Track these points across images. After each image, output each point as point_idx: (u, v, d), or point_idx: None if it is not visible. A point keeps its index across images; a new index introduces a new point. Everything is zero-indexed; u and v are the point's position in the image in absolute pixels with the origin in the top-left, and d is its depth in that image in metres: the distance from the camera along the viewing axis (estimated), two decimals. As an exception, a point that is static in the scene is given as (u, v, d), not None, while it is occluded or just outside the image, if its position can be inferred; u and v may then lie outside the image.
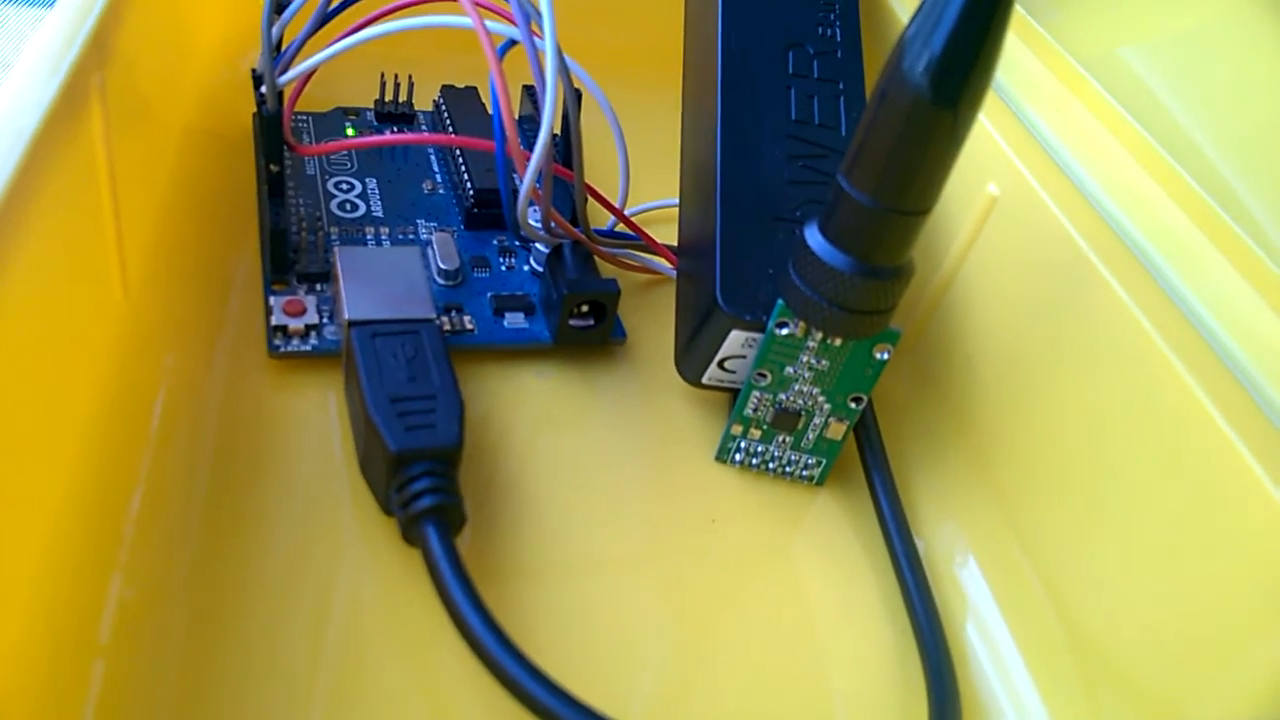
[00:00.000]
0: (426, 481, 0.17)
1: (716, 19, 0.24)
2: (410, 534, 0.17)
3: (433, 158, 0.28)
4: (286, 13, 0.23)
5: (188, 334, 0.22)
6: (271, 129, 0.22)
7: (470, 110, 0.29)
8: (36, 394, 0.15)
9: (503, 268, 0.25)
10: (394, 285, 0.21)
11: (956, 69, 0.15)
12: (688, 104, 0.25)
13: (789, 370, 0.21)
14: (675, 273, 0.25)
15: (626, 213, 0.26)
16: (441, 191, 0.27)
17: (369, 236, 0.25)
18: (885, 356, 0.20)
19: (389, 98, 0.29)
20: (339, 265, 0.21)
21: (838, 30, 0.24)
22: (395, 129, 0.29)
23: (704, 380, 0.22)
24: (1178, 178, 0.20)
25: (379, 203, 0.26)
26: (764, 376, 0.21)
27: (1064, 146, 0.22)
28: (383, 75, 0.29)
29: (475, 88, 0.29)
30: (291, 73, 0.22)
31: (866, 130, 0.17)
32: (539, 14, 0.21)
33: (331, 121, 0.28)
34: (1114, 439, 0.18)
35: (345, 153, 0.27)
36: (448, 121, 0.28)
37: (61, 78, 0.16)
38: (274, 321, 0.22)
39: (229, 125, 0.27)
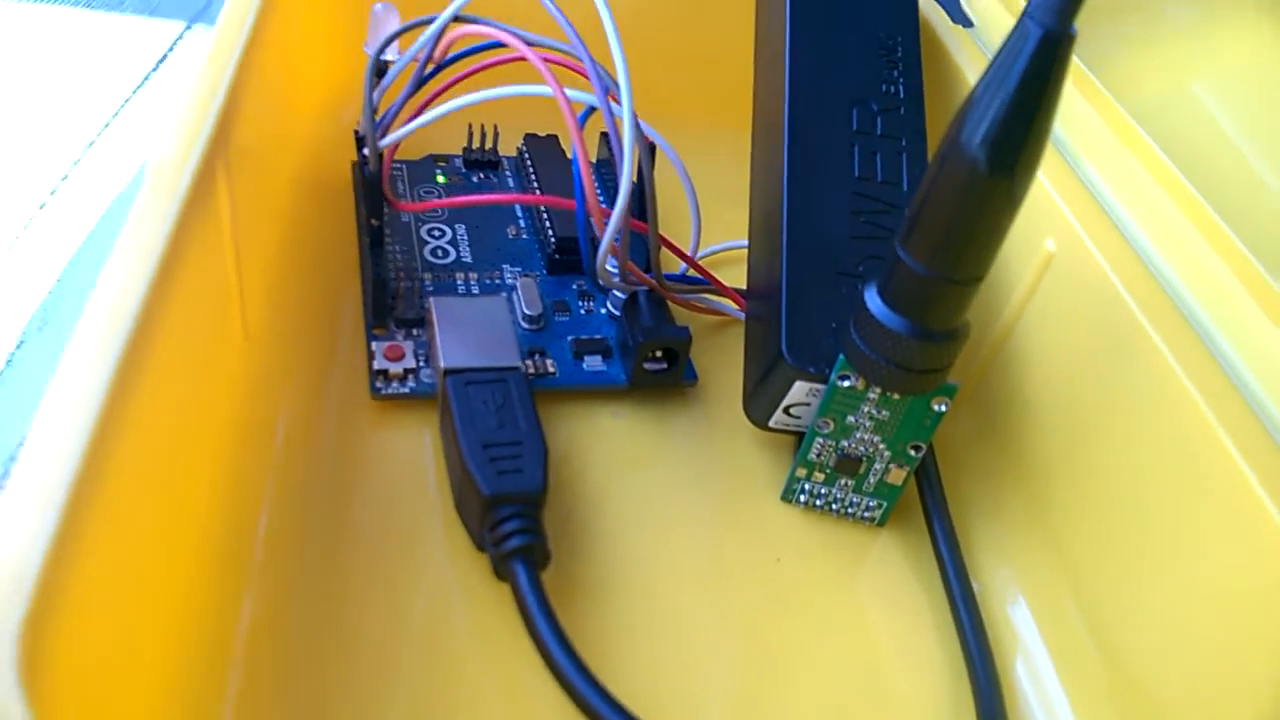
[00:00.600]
0: (515, 523, 0.19)
1: (784, 75, 0.25)
2: (500, 571, 0.19)
3: (518, 206, 0.30)
4: (386, 79, 0.25)
5: (301, 374, 0.24)
6: (372, 188, 0.24)
7: (551, 157, 0.30)
8: (178, 427, 0.18)
9: (582, 311, 0.27)
10: (484, 333, 0.23)
11: (1011, 141, 0.17)
12: (756, 154, 0.27)
13: (850, 419, 0.22)
14: (745, 316, 0.26)
15: (697, 256, 0.27)
16: (525, 237, 0.29)
17: (459, 283, 0.27)
18: (943, 409, 0.21)
19: (476, 145, 0.31)
20: (434, 315, 0.23)
21: (901, 87, 0.25)
22: (482, 175, 0.31)
23: (770, 424, 0.24)
24: (1224, 236, 0.20)
25: (468, 249, 0.28)
26: (827, 424, 0.22)
27: (1118, 202, 0.23)
28: (470, 126, 0.31)
29: (556, 136, 0.31)
30: (390, 138, 0.24)
31: (921, 202, 0.18)
32: (616, 85, 0.22)
33: (423, 168, 0.31)
34: (1157, 493, 0.19)
35: (435, 198, 0.29)
36: (530, 169, 0.30)
37: (194, 165, 0.18)
38: (376, 366, 0.24)
39: (332, 176, 0.29)
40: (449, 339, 0.23)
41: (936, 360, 0.20)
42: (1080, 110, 0.25)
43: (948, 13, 0.30)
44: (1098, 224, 0.22)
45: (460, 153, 0.31)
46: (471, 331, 0.23)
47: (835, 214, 0.23)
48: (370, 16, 0.26)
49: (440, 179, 0.30)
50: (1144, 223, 0.22)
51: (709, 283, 0.27)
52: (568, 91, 0.23)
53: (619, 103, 0.22)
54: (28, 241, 0.30)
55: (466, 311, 0.24)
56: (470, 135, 0.31)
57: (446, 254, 0.28)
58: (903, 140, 0.25)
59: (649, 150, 0.28)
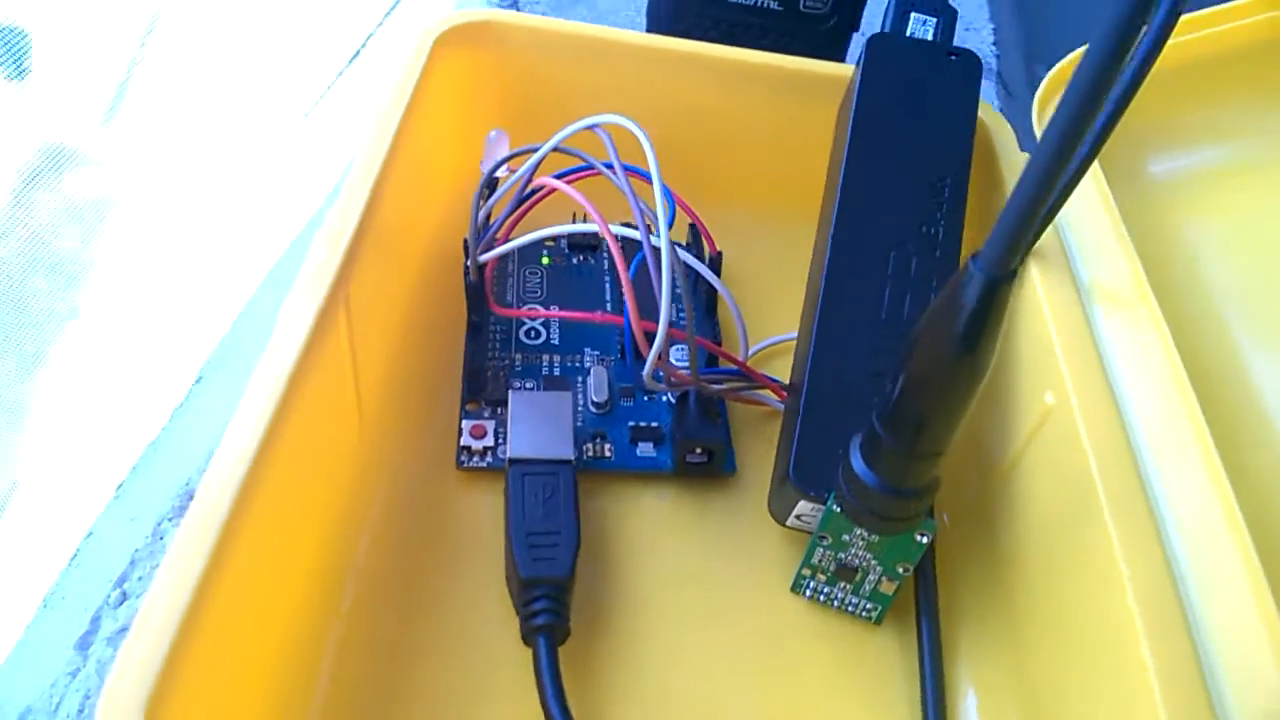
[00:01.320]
0: (543, 604, 0.24)
1: (834, 208, 0.28)
2: (526, 639, 0.24)
3: (607, 288, 0.34)
4: (492, 198, 0.30)
5: (403, 445, 0.29)
6: (473, 294, 0.29)
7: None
8: (295, 502, 0.23)
9: (645, 398, 0.31)
10: (547, 426, 0.27)
11: (974, 335, 0.19)
12: (811, 269, 0.30)
13: (846, 538, 0.25)
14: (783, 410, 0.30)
15: (751, 351, 0.31)
16: (608, 323, 0.33)
17: (544, 364, 0.31)
18: (926, 540, 0.24)
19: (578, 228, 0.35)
20: (510, 408, 0.28)
21: (940, 229, 0.28)
22: (581, 257, 0.35)
23: (787, 523, 0.27)
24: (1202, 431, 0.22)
25: (557, 330, 0.33)
26: (825, 538, 0.26)
27: (1119, 362, 0.25)
28: (573, 215, 0.35)
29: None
30: (488, 255, 0.29)
31: (890, 394, 0.21)
32: (655, 216, 0.26)
33: (532, 249, 0.35)
34: (1090, 643, 0.21)
35: (537, 280, 0.34)
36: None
37: (319, 302, 0.23)
38: (462, 442, 0.29)
39: (452, 271, 0.33)
40: (518, 431, 0.27)
41: (905, 511, 0.23)
42: (1109, 259, 0.27)
43: (1019, 139, 0.32)
44: (1091, 389, 0.24)
45: (566, 234, 0.36)
46: (537, 424, 0.27)
47: (858, 352, 0.26)
48: (485, 141, 0.31)
49: (545, 260, 0.35)
50: (1138, 396, 0.24)
51: (749, 378, 0.30)
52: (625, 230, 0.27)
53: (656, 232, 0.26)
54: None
55: (537, 405, 0.28)
56: (574, 219, 0.35)
57: (538, 335, 0.32)
58: (934, 282, 0.27)
59: (715, 259, 0.32)
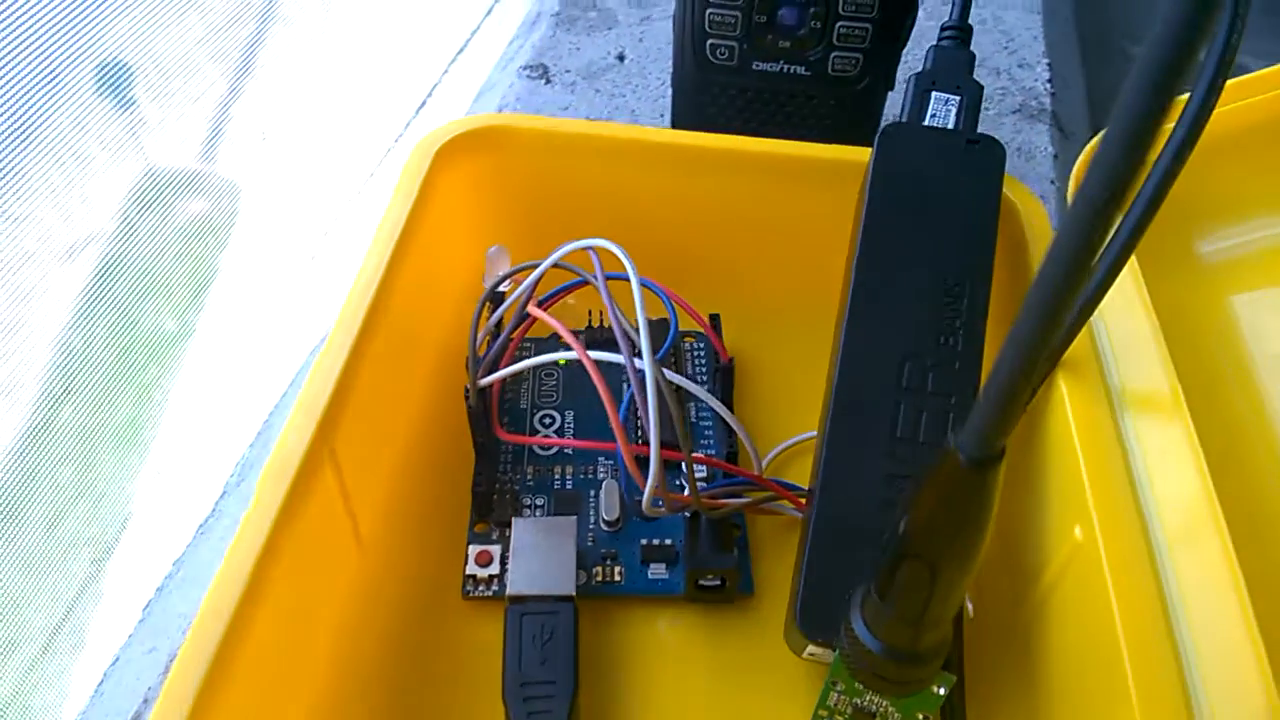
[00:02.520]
0: (536, 761, 0.23)
1: (844, 314, 0.27)
2: (522, 797, 0.23)
3: (625, 388, 0.33)
4: (494, 315, 0.29)
5: (406, 575, 0.29)
6: (473, 418, 0.28)
7: (657, 337, 0.33)
8: (296, 628, 0.23)
9: (657, 505, 0.30)
10: (549, 559, 0.27)
11: (955, 524, 0.18)
12: (826, 378, 0.28)
13: (859, 685, 0.24)
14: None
15: (765, 460, 0.30)
16: (622, 416, 0.32)
17: (555, 479, 0.31)
18: (943, 691, 0.23)
19: (595, 324, 0.35)
20: (513, 538, 0.27)
21: (960, 338, 0.26)
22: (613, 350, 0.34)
23: (803, 656, 0.26)
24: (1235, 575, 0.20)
25: (572, 436, 0.32)
26: (838, 684, 0.24)
27: (1150, 491, 0.23)
28: (589, 312, 0.34)
29: (665, 319, 0.34)
30: (487, 379, 0.28)
31: (883, 562, 0.19)
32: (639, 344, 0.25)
33: (549, 345, 0.34)
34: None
35: (553, 383, 0.33)
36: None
37: (301, 454, 0.23)
38: (468, 570, 0.28)
39: (457, 391, 0.32)
40: (518, 564, 0.26)
41: (910, 676, 0.21)
42: (1144, 367, 0.25)
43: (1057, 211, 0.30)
44: (1119, 526, 0.22)
45: (584, 329, 0.35)
46: (540, 555, 0.27)
47: (869, 476, 0.25)
48: (486, 257, 0.30)
49: (561, 362, 0.34)
50: (1168, 531, 0.22)
51: (754, 486, 0.29)
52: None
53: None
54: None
55: (540, 532, 0.27)
56: (590, 315, 0.34)
57: (550, 447, 0.32)
58: (952, 398, 0.26)
59: (727, 369, 0.31)
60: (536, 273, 0.28)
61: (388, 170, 0.45)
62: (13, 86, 0.25)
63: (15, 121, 0.25)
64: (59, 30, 0.25)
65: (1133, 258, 0.26)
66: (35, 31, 0.25)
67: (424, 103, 0.50)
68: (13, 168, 0.25)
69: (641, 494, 0.26)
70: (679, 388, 0.28)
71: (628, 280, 0.27)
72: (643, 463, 0.25)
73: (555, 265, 0.28)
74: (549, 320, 0.27)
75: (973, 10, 0.32)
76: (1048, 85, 0.50)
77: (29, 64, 0.25)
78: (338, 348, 0.25)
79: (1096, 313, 0.25)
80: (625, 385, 0.32)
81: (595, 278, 0.27)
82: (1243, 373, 0.31)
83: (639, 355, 0.25)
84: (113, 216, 0.29)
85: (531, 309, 0.27)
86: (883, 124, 0.43)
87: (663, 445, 0.25)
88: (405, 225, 0.29)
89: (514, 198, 0.33)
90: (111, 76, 0.29)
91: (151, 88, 0.30)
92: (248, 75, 0.37)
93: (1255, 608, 0.20)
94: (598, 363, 0.26)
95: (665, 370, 0.26)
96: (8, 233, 0.25)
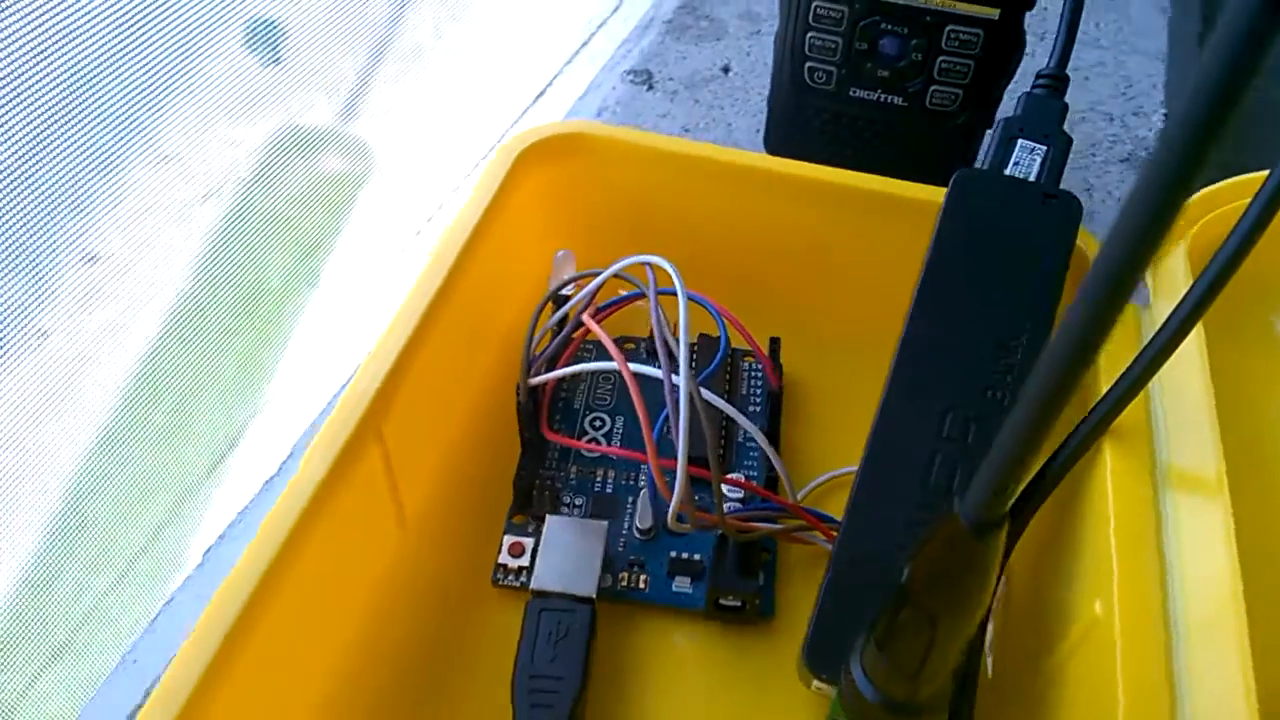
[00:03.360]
0: (534, 753, 0.24)
1: (895, 358, 0.27)
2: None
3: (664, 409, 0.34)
4: (553, 318, 0.30)
5: (445, 556, 0.30)
6: (522, 414, 0.29)
7: (710, 354, 0.33)
8: (327, 599, 0.24)
9: (680, 521, 0.30)
10: (576, 559, 0.27)
11: (950, 589, 0.18)
12: (874, 416, 0.28)
13: (858, 725, 0.24)
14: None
15: (802, 492, 0.30)
16: (671, 437, 0.33)
17: (597, 480, 0.31)
18: (942, 743, 0.23)
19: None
20: (545, 533, 0.28)
21: (1008, 392, 0.26)
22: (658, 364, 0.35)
23: (811, 688, 0.26)
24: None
25: (618, 441, 0.32)
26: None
27: (1178, 575, 0.22)
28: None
29: (718, 337, 0.34)
30: (536, 379, 0.29)
31: (881, 615, 0.20)
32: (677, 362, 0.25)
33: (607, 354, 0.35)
34: None
35: (609, 387, 0.34)
36: (693, 365, 0.34)
37: (349, 431, 0.24)
38: (500, 559, 0.29)
39: (508, 393, 0.33)
40: (546, 562, 0.27)
41: (905, 725, 0.21)
42: (1195, 447, 0.24)
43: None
44: (1139, 608, 0.22)
45: (645, 338, 0.35)
46: (567, 554, 0.28)
47: (894, 524, 0.25)
48: (554, 260, 0.31)
49: (620, 367, 0.35)
50: (1190, 618, 0.21)
51: (787, 514, 0.29)
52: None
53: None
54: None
55: (571, 533, 0.28)
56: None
57: (597, 443, 0.32)
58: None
59: (776, 395, 0.31)
60: (596, 282, 0.29)
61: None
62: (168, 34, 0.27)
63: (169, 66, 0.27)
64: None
65: (1200, 329, 0.26)
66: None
67: (534, 101, 0.52)
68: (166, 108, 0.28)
69: (668, 508, 0.26)
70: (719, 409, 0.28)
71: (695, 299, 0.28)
72: (671, 477, 0.26)
73: (615, 276, 0.29)
74: (597, 330, 0.27)
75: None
76: (1163, 136, 0.48)
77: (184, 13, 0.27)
78: (398, 332, 0.27)
79: (1157, 381, 0.25)
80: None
81: (648, 291, 0.28)
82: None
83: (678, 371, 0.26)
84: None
85: (585, 318, 0.28)
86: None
87: (693, 462, 0.25)
88: (480, 220, 0.30)
89: (587, 204, 0.34)
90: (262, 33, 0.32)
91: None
92: (385, 53, 0.39)
93: (1263, 694, 0.19)
94: (644, 376, 0.27)
95: (705, 390, 0.26)
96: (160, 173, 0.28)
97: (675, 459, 0.26)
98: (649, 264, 0.27)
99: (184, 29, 0.28)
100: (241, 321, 0.36)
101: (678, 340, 0.27)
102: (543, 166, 0.32)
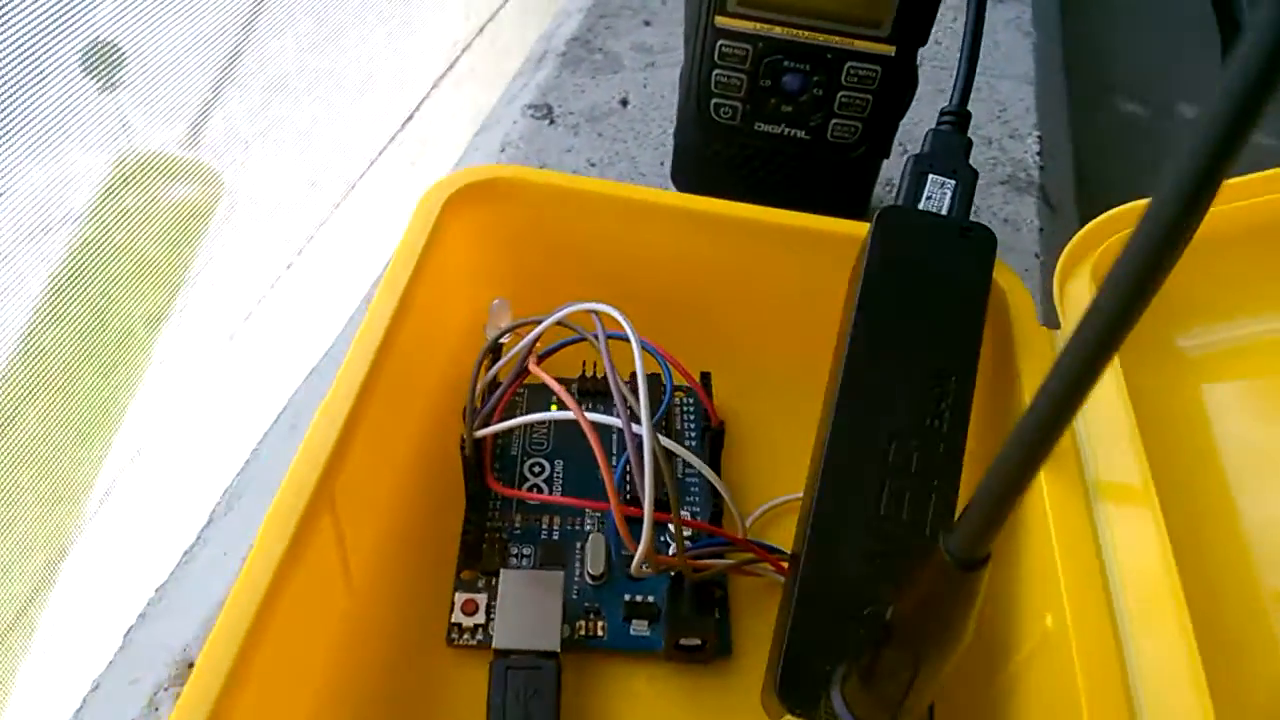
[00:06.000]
0: (514, 820, 0.23)
1: (835, 392, 0.27)
2: None
3: (614, 441, 0.34)
4: (494, 368, 0.30)
5: (393, 618, 0.29)
6: (468, 469, 0.29)
7: (653, 396, 0.34)
8: (292, 672, 0.23)
9: (645, 567, 0.30)
10: (535, 613, 0.27)
11: (940, 624, 0.19)
12: (814, 447, 0.29)
13: (832, 755, 0.24)
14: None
15: (749, 520, 0.31)
16: (616, 478, 0.33)
17: (543, 528, 0.31)
18: (914, 770, 0.23)
19: (589, 374, 0.35)
20: (500, 589, 0.28)
21: (945, 421, 0.27)
22: (590, 405, 0.35)
23: (778, 722, 0.26)
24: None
25: (560, 488, 0.32)
26: (812, 753, 0.25)
27: (1120, 581, 0.23)
28: (584, 363, 0.35)
29: (658, 374, 0.35)
30: (482, 431, 0.28)
31: (865, 650, 0.20)
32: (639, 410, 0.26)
33: (543, 394, 0.35)
34: None
35: (544, 431, 0.34)
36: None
37: (304, 502, 0.23)
38: (453, 618, 0.28)
39: (451, 439, 0.32)
40: (505, 618, 0.27)
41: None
42: (1121, 463, 0.26)
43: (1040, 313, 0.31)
44: (1090, 617, 0.23)
45: (576, 379, 0.35)
46: (526, 610, 0.27)
47: (852, 552, 0.26)
48: (490, 310, 0.31)
49: (553, 407, 0.35)
50: (1138, 622, 0.23)
51: (736, 548, 0.30)
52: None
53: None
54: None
55: (527, 585, 0.28)
56: (584, 366, 0.35)
57: (540, 490, 0.32)
58: (934, 481, 0.26)
59: (718, 433, 0.32)
60: (538, 330, 0.29)
61: (367, 185, 0.46)
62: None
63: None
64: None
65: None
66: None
67: (410, 116, 0.51)
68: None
69: (627, 552, 0.26)
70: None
71: (626, 340, 0.28)
72: (633, 524, 0.26)
73: (559, 324, 0.29)
74: (549, 381, 0.27)
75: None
76: (1037, 158, 0.52)
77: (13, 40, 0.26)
78: (343, 394, 0.26)
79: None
80: (618, 447, 0.33)
81: (596, 338, 0.28)
82: (1213, 459, 0.32)
83: (635, 420, 0.26)
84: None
85: (532, 366, 0.28)
86: (876, 192, 0.44)
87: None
88: (413, 274, 0.29)
89: (517, 248, 0.34)
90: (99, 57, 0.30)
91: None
92: (236, 74, 0.37)
93: (1211, 681, 0.21)
94: (599, 424, 0.27)
95: (659, 435, 0.27)
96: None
97: (626, 505, 0.26)
98: (596, 312, 0.27)
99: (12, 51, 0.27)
100: (86, 363, 0.33)
101: (627, 384, 0.27)
102: (471, 211, 0.32)
